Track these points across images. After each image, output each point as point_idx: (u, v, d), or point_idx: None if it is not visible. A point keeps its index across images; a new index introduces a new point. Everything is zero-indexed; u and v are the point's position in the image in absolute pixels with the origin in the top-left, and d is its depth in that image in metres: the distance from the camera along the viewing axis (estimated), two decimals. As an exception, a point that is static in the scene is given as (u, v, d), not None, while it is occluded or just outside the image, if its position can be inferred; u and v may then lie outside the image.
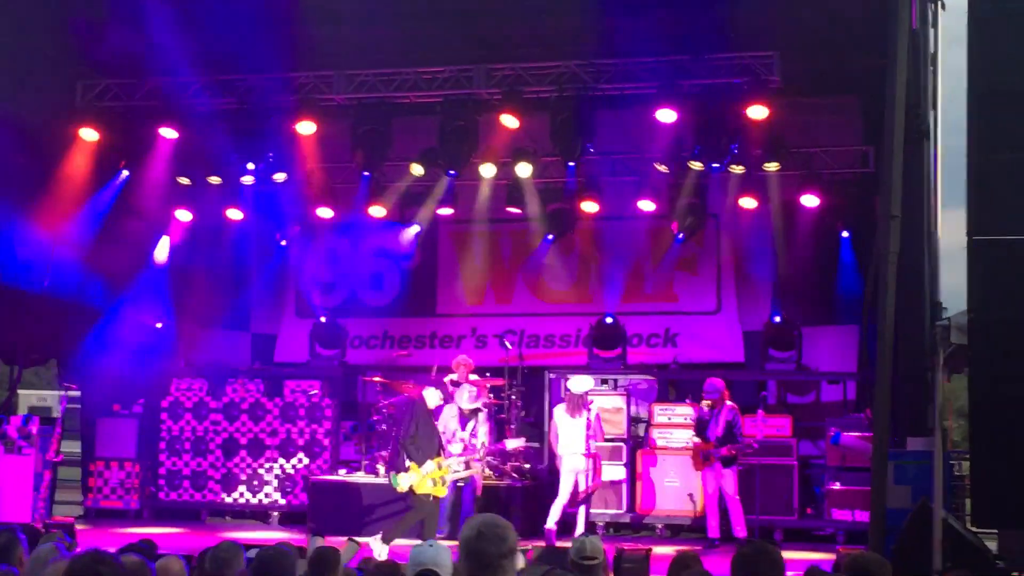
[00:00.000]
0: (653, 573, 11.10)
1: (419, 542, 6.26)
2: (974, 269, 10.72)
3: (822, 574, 6.27)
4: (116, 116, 16.42)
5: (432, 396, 14.30)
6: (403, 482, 13.75)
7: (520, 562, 4.57)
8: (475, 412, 15.30)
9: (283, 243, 19.19)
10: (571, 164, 16.44)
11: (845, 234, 17.19)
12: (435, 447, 13.99)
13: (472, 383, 15.79)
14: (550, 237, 18.47)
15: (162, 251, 18.48)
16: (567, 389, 15.02)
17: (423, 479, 13.68)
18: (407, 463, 13.70)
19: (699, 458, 15.05)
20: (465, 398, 15.26)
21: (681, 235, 17.60)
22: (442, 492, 13.97)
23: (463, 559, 4.51)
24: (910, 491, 11.83)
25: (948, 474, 13.16)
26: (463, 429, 15.19)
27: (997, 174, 10.73)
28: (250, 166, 16.86)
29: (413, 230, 18.68)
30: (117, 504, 17.67)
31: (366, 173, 17.16)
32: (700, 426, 15.20)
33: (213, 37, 15.05)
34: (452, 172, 16.66)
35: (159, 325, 18.56)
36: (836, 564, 8.74)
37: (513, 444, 15.58)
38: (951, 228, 13.40)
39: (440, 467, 13.82)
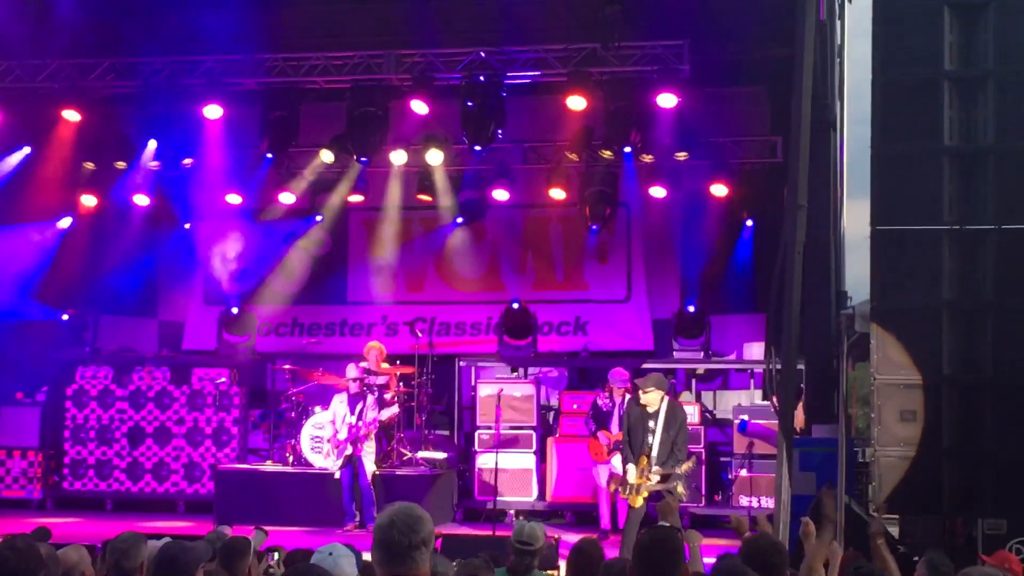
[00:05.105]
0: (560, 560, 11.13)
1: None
2: (877, 258, 10.88)
3: (733, 559, 6.28)
4: (17, 97, 16.08)
5: None
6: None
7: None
8: (363, 394, 15.01)
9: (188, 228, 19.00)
10: (481, 150, 16.28)
11: (749, 223, 17.44)
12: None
13: (383, 371, 15.70)
14: (459, 221, 18.47)
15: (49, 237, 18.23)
16: None
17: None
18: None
19: (603, 451, 14.88)
20: (351, 369, 15.17)
21: (595, 226, 17.61)
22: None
23: (374, 548, 4.43)
24: (815, 477, 11.96)
25: (852, 460, 13.36)
26: (352, 413, 14.95)
27: (900, 164, 10.90)
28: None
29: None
30: (19, 494, 17.34)
31: (270, 156, 16.92)
32: (600, 416, 15.06)
33: (119, 19, 14.80)
34: (364, 159, 16.48)
35: (65, 317, 18.27)
36: (741, 552, 8.78)
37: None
38: (856, 218, 13.60)
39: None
